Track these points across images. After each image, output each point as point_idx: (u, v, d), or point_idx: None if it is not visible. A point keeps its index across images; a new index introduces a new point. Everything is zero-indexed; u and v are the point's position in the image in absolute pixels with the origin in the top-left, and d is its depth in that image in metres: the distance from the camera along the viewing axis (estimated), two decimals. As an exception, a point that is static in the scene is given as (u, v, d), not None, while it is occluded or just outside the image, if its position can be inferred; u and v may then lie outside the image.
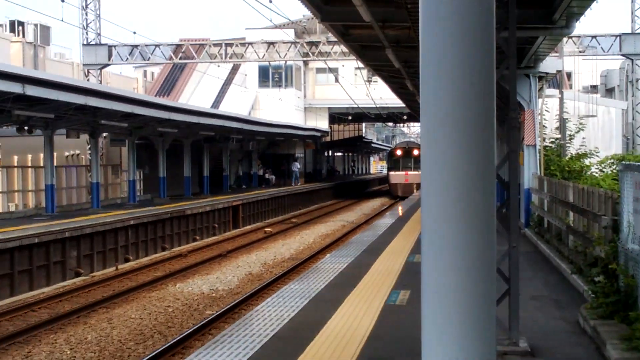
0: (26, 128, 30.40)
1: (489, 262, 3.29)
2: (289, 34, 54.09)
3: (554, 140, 31.75)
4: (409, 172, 68.66)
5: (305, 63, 67.06)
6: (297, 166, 66.77)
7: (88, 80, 43.41)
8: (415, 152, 68.69)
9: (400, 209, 38.41)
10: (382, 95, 55.91)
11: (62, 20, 41.87)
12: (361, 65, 37.81)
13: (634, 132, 42.76)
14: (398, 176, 69.32)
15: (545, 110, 30.53)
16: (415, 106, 47.77)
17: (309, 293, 13.81)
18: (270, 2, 36.31)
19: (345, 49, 36.04)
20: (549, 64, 27.32)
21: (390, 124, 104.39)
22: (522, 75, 25.24)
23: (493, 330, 3.31)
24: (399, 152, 71.50)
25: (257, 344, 10.03)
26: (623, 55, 40.17)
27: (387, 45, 21.25)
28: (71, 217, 30.61)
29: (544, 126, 29.39)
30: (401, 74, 28.04)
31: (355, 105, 60.26)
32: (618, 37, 38.69)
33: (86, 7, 42.93)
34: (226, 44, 48.29)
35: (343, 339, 10.18)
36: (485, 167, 3.33)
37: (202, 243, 35.09)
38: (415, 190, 62.98)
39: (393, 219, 30.85)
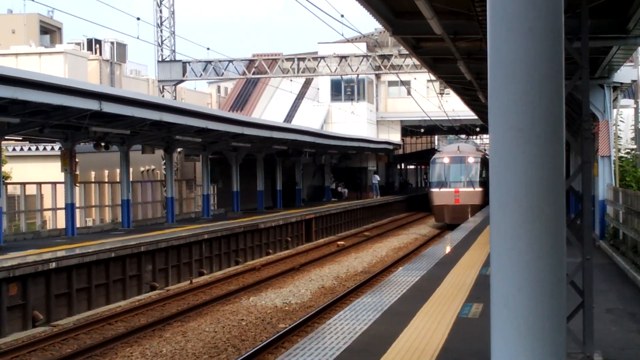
0: (103, 144, 30.86)
1: (559, 275, 3.26)
2: (361, 48, 54.16)
3: (629, 150, 31.35)
4: (461, 190, 48.98)
5: (377, 76, 67.04)
6: (376, 179, 66.73)
7: (163, 96, 44.01)
8: (471, 159, 50.07)
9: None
10: (455, 107, 55.63)
11: (137, 38, 42.71)
12: (433, 77, 37.67)
13: None
14: (445, 195, 48.76)
15: (620, 120, 30.17)
16: (487, 118, 47.32)
17: (381, 306, 13.78)
18: (342, 16, 36.56)
19: (417, 62, 35.98)
20: (623, 74, 26.93)
21: (463, 136, 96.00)
22: (596, 85, 24.94)
23: (563, 345, 3.28)
24: (446, 160, 50.32)
25: (329, 357, 10.04)
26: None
27: (458, 58, 21.17)
28: (146, 231, 30.97)
29: (618, 137, 29.01)
30: (473, 86, 27.88)
31: (428, 118, 59.91)
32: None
33: (161, 24, 43.53)
34: (298, 59, 48.58)
35: (415, 353, 10.15)
36: (555, 179, 3.30)
37: (275, 257, 35.26)
38: (470, 215, 45.05)
39: (465, 232, 30.61)
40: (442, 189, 48.77)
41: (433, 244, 31.96)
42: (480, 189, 48.14)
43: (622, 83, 27.52)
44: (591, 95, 22.79)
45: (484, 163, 49.78)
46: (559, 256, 3.28)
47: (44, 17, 69.74)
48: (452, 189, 48.52)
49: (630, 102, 37.46)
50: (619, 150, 28.29)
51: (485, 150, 66.86)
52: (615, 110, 28.60)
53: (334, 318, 13.05)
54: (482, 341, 10.06)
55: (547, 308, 3.22)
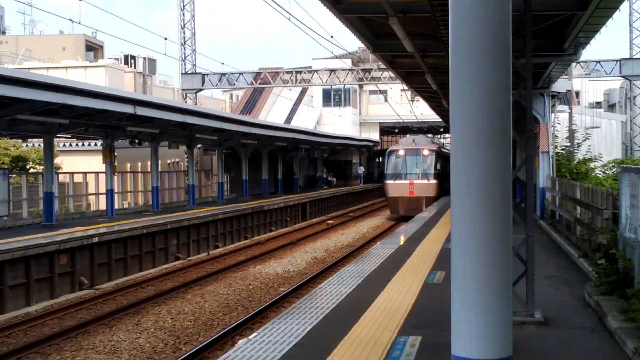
0: (137, 141, 30.81)
1: (506, 248, 3.28)
2: (347, 63, 54.26)
3: (564, 147, 31.39)
4: (416, 182, 41.37)
5: (360, 86, 67.15)
6: (361, 169, 67.54)
7: (186, 102, 43.80)
8: (426, 152, 41.99)
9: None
10: (423, 112, 55.35)
11: (165, 54, 42.41)
12: (406, 87, 37.63)
13: (631, 140, 42.06)
14: (400, 187, 41.34)
15: (557, 123, 30.26)
16: (446, 118, 47.06)
17: (363, 273, 13.78)
18: (332, 37, 36.92)
19: (392, 75, 35.89)
20: (560, 85, 27.02)
21: (430, 135, 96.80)
22: (538, 94, 24.97)
23: (510, 305, 3.29)
24: (401, 153, 42.59)
25: (320, 314, 10.05)
26: (623, 76, 39.46)
27: (426, 71, 21.17)
28: (172, 212, 30.95)
29: (555, 136, 29.08)
30: (438, 95, 27.88)
31: (401, 120, 59.75)
32: (618, 62, 37.98)
33: (184, 43, 43.35)
34: (296, 72, 48.41)
35: (390, 311, 10.16)
36: (504, 170, 3.31)
37: (277, 233, 35.21)
38: (425, 207, 38.03)
39: (431, 212, 30.59)
40: (397, 181, 41.05)
41: (405, 223, 31.85)
42: (434, 181, 40.73)
43: (559, 92, 27.60)
44: (534, 102, 22.74)
45: (439, 156, 42.36)
46: (507, 233, 3.29)
47: (88, 37, 69.50)
48: (407, 181, 40.79)
49: (565, 107, 37.52)
50: (556, 147, 28.35)
51: (443, 144, 60.30)
52: (553, 115, 28.66)
53: (324, 283, 13.06)
54: (444, 302, 10.07)
55: (496, 275, 3.24)
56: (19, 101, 20.06)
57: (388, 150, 43.87)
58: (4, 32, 74.11)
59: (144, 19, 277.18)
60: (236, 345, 8.47)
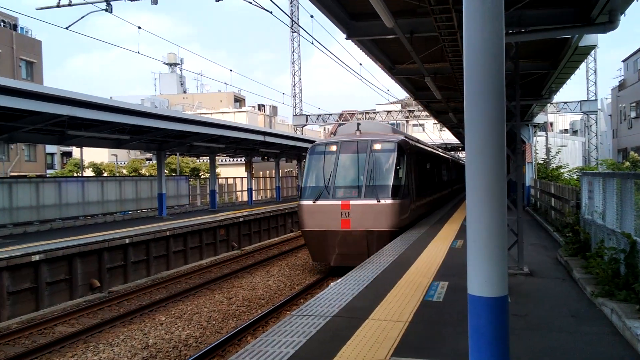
0: (265, 158, 31.34)
1: (503, 225, 3.24)
2: (398, 107, 53.72)
3: (543, 159, 30.48)
4: (355, 203, 13.00)
5: (407, 121, 66.33)
6: None
7: (296, 132, 44.30)
8: (378, 145, 13.70)
9: None
10: (448, 137, 54.48)
11: (283, 103, 42.84)
12: (436, 122, 37.04)
13: (589, 154, 40.37)
14: (324, 213, 13.15)
15: (537, 143, 29.27)
16: (462, 140, 45.54)
17: (410, 240, 13.22)
18: (388, 90, 36.18)
19: (427, 113, 35.40)
20: (539, 118, 26.34)
21: (452, 152, 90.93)
22: (524, 124, 24.29)
23: (505, 262, 3.25)
24: (332, 148, 13.82)
25: (383, 267, 9.92)
26: (582, 112, 37.87)
27: (449, 111, 20.79)
28: (290, 202, 31.21)
29: (536, 152, 28.25)
30: (457, 126, 27.30)
31: (433, 143, 58.89)
32: (579, 103, 36.47)
33: (295, 96, 43.82)
34: (365, 112, 48.25)
35: (431, 262, 10.02)
36: (501, 175, 3.27)
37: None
38: (374, 249, 12.73)
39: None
40: (320, 201, 13.56)
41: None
42: (393, 201, 13.40)
43: (538, 123, 26.89)
44: (521, 130, 22.14)
45: (409, 153, 14.91)
46: (503, 214, 3.26)
47: (236, 93, 71.04)
48: (337, 202, 13.38)
49: (543, 133, 36.49)
50: (536, 159, 27.56)
51: (418, 140, 24.09)
52: (535, 138, 27.97)
53: (386, 247, 12.38)
54: (463, 259, 9.90)
55: (497, 241, 3.21)
56: (195, 134, 20.70)
57: (311, 146, 14.94)
58: (185, 91, 76.69)
59: (270, 81, 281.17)
60: (329, 286, 8.47)
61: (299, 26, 34.96)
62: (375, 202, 13.32)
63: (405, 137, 16.16)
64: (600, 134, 43.09)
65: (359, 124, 15.09)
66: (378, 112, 48.94)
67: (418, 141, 19.51)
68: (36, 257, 12.57)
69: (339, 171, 13.78)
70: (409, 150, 14.92)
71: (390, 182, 13.60)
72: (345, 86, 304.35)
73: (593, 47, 11.81)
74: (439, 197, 22.35)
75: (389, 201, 13.38)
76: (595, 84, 37.60)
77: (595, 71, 37.63)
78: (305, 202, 13.72)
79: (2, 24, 39.43)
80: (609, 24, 8.60)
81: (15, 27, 41.05)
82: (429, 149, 21.20)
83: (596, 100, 37.14)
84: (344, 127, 16.54)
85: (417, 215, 15.83)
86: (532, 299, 7.31)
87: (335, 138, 14.72)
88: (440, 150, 28.15)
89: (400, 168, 14.00)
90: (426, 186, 18.17)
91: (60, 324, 11.27)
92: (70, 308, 12.61)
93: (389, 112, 46.74)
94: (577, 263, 9.13)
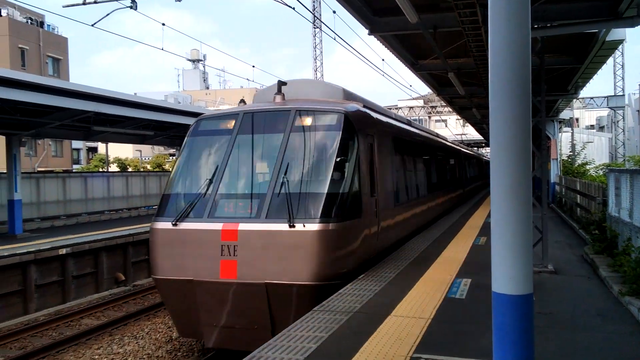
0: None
1: (528, 222, 3.21)
2: (420, 102, 53.37)
3: (568, 155, 30.08)
4: (247, 227, 6.36)
5: (429, 117, 65.95)
6: None
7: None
8: (307, 119, 7.02)
9: None
10: (470, 132, 54.00)
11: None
12: (459, 117, 36.73)
13: (615, 151, 39.59)
14: (192, 243, 6.43)
15: (563, 138, 28.88)
16: (485, 137, 44.96)
17: (431, 238, 13.30)
18: (410, 86, 36.12)
19: (450, 109, 35.12)
20: (565, 114, 26.01)
21: (475, 148, 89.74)
22: (550, 120, 23.97)
23: (531, 260, 3.22)
24: (226, 125, 7.32)
25: (406, 262, 9.86)
26: (609, 107, 37.15)
27: (473, 107, 20.60)
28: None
29: (561, 148, 27.90)
30: (480, 122, 27.02)
31: (455, 139, 58.44)
32: (606, 98, 35.81)
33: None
34: (388, 109, 48.25)
35: (453, 259, 9.95)
36: (527, 171, 3.24)
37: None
38: (291, 319, 6.21)
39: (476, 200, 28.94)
40: (187, 223, 6.88)
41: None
42: (324, 226, 6.61)
43: (564, 119, 26.52)
44: (546, 126, 21.85)
45: (361, 134, 7.74)
46: (528, 211, 3.22)
47: (258, 89, 71.62)
48: (218, 224, 6.66)
49: (569, 129, 35.94)
50: (561, 155, 27.21)
51: (410, 120, 15.79)
52: (560, 134, 27.60)
53: (411, 241, 12.32)
54: (486, 257, 9.82)
55: (522, 240, 3.18)
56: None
57: (195, 121, 8.01)
58: (207, 87, 77.36)
59: (292, 77, 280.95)
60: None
61: (321, 22, 34.96)
62: (285, 226, 6.80)
63: (367, 107, 9.39)
64: (628, 130, 42.31)
65: (282, 84, 8.58)
66: (401, 107, 48.71)
67: (397, 118, 12.40)
68: (63, 251, 12.81)
69: (230, 167, 7.42)
70: (368, 130, 8.36)
71: (323, 188, 7.08)
72: (368, 82, 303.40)
73: (620, 41, 11.59)
74: (440, 204, 16.99)
75: (313, 225, 6.83)
76: (622, 78, 36.88)
77: (622, 66, 36.87)
78: (160, 225, 7.30)
79: (29, 21, 40.15)
80: (637, 18, 8.42)
81: (42, 24, 41.78)
82: (419, 131, 14.47)
83: (623, 95, 36.44)
84: (265, 90, 9.54)
85: (395, 238, 10.34)
86: (557, 297, 7.22)
87: (236, 108, 8.31)
88: (441, 137, 20.87)
89: (349, 160, 7.50)
90: (413, 189, 12.53)
91: (87, 316, 11.47)
92: (96, 301, 12.82)
93: (411, 107, 46.51)
94: (604, 261, 8.99)
